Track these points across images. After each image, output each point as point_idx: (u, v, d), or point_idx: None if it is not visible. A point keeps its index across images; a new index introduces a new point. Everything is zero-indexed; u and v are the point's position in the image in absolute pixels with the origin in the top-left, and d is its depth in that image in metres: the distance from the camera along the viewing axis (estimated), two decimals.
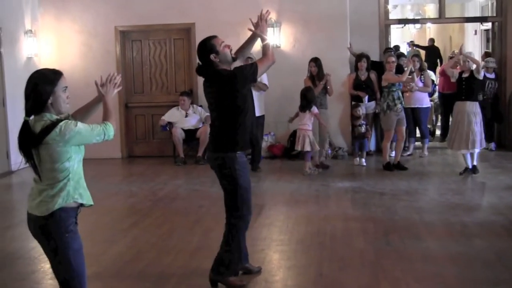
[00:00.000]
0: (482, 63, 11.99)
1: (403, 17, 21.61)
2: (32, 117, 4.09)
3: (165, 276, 6.22)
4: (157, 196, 10.01)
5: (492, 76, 13.17)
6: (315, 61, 11.93)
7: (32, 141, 4.04)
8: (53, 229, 4.13)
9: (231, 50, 5.79)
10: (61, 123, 4.02)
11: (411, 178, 10.72)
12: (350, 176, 11.20)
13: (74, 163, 4.14)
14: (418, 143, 13.63)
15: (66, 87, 4.21)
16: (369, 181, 10.62)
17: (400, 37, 24.83)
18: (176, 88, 13.85)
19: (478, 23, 17.98)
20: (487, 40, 17.40)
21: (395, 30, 21.77)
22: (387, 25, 14.27)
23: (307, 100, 11.18)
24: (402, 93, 11.62)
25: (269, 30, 12.97)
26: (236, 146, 5.72)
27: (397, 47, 15.92)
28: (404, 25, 22.67)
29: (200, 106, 13.29)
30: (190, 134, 13.02)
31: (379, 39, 13.96)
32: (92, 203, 4.34)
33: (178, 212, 9.05)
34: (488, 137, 12.41)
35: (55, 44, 13.86)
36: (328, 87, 11.94)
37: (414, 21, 20.53)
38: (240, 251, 5.92)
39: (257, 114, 11.19)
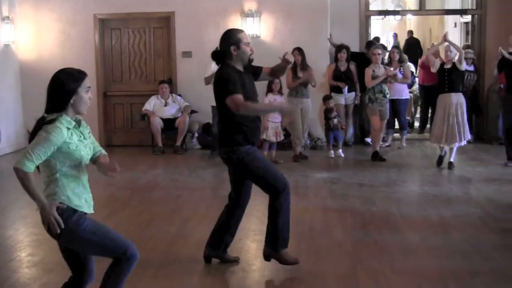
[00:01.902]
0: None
1: (383, 8, 21.63)
2: (51, 115, 4.08)
3: (143, 265, 6.13)
4: (136, 186, 9.97)
5: (471, 68, 13.22)
6: (299, 49, 11.83)
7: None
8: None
9: (252, 52, 5.81)
10: (48, 125, 4.02)
11: (390, 169, 10.74)
12: (329, 167, 11.22)
13: (62, 165, 4.10)
14: (396, 135, 13.69)
15: (89, 87, 4.20)
16: (347, 172, 10.64)
17: (380, 28, 24.86)
18: (155, 77, 13.78)
19: (458, 16, 18.01)
20: (467, 33, 17.44)
21: (375, 21, 21.77)
22: (367, 16, 14.27)
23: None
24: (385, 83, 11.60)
25: (249, 20, 13.00)
26: (238, 141, 5.74)
27: (377, 39, 15.90)
28: (385, 17, 22.69)
29: (179, 95, 13.23)
30: (169, 124, 12.96)
31: (359, 30, 13.98)
32: (88, 211, 4.31)
33: (156, 201, 9.02)
34: None
35: (33, 31, 13.71)
36: (313, 84, 11.87)
37: (394, 13, 20.57)
38: (289, 218, 5.94)
39: None
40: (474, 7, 14.34)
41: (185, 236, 7.07)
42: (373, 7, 14.65)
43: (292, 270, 5.98)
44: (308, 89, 11.97)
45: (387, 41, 21.98)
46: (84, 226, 4.18)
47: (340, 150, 12.09)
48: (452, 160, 10.67)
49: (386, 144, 13.04)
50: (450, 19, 19.82)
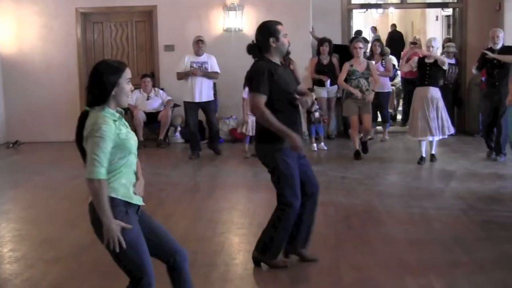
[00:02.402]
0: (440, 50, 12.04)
1: (365, 1, 21.66)
2: (93, 108, 4.02)
3: None
4: None
5: (453, 61, 13.27)
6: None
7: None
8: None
9: (289, 44, 5.76)
10: (94, 126, 3.92)
11: (372, 162, 10.77)
12: (312, 160, 11.18)
13: (113, 157, 3.98)
14: (379, 128, 13.73)
15: (130, 78, 4.12)
16: (330, 165, 10.66)
17: (363, 22, 24.91)
18: (137, 71, 13.72)
19: (440, 9, 18.10)
20: (448, 26, 17.55)
21: (357, 14, 21.82)
22: (349, 10, 14.30)
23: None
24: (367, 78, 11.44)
25: (231, 14, 12.98)
26: (275, 137, 5.62)
27: (359, 32, 15.97)
28: (367, 10, 22.73)
29: (162, 89, 13.20)
30: (152, 117, 12.93)
31: (341, 23, 14.01)
32: (139, 203, 4.18)
33: None
34: None
35: (14, 26, 13.61)
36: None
37: (376, 6, 20.61)
38: (286, 236, 5.81)
39: (206, 99, 11.38)
40: (455, 1, 14.39)
41: (168, 231, 7.05)
42: (355, 0, 14.66)
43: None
44: None
45: (369, 35, 22.00)
46: (127, 234, 3.99)
47: (323, 143, 12.11)
48: (433, 152, 10.68)
49: (369, 137, 13.07)
50: (431, 12, 19.92)
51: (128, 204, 4.07)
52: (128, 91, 4.09)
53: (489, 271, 5.72)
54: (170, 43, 13.32)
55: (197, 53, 11.53)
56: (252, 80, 5.58)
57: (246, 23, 13.24)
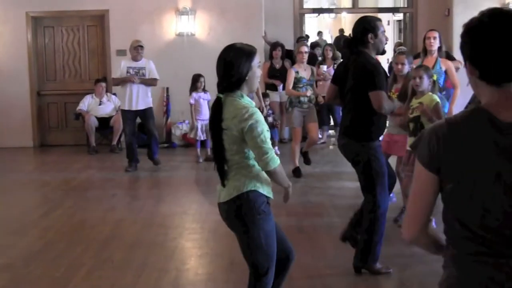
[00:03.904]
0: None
1: (318, 6, 21.83)
2: (227, 95, 4.00)
3: (75, 267, 6.13)
4: (70, 186, 9.86)
5: None
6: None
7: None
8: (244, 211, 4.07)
9: (386, 42, 5.71)
10: (244, 112, 3.93)
11: (325, 166, 10.85)
12: None
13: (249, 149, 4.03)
14: (331, 131, 13.82)
15: (260, 62, 4.06)
16: (283, 168, 10.65)
17: (316, 26, 25.05)
18: (89, 76, 13.63)
19: (391, 14, 18.33)
20: (400, 31, 17.77)
21: (311, 19, 21.96)
22: (302, 14, 14.40)
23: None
24: (316, 82, 11.42)
25: (184, 18, 12.96)
26: (371, 135, 5.63)
27: (306, 37, 16.04)
28: (319, 14, 22.90)
29: (114, 94, 13.11)
30: (104, 122, 12.84)
31: (293, 28, 14.09)
32: (272, 196, 4.23)
33: (90, 201, 8.95)
34: None
35: None
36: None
37: (328, 11, 20.76)
38: (381, 237, 5.73)
39: (143, 106, 10.79)
40: (406, 6, 14.61)
41: (119, 237, 7.04)
42: (308, 5, 14.77)
43: (226, 267, 6.03)
44: None
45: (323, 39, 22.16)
46: (268, 224, 4.13)
47: (276, 148, 12.14)
48: None
49: (322, 141, 13.15)
50: (383, 17, 20.10)
51: (266, 196, 4.14)
52: (259, 75, 4.10)
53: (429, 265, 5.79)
54: (122, 48, 13.20)
55: (135, 58, 10.88)
56: (378, 76, 5.46)
57: (199, 28, 13.23)
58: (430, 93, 6.66)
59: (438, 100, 6.67)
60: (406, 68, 7.57)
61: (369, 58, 5.54)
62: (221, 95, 4.01)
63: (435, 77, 7.02)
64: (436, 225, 2.57)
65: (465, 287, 2.36)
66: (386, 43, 5.72)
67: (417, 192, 2.44)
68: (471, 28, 2.34)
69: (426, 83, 6.66)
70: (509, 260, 2.28)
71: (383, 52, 5.72)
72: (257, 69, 4.07)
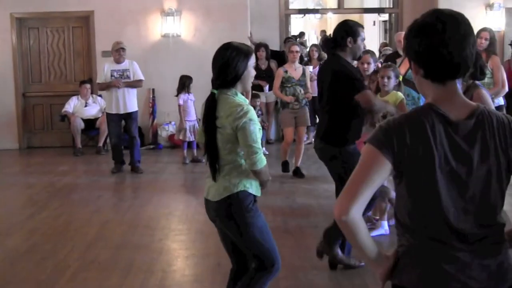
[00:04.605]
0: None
1: (304, 7, 21.85)
2: (221, 92, 4.04)
3: (60, 269, 6.11)
4: (56, 187, 9.82)
5: None
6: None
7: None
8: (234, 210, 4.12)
9: (364, 49, 5.76)
10: (239, 110, 3.98)
11: (311, 166, 10.81)
12: None
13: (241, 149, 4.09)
14: None
15: (255, 62, 4.13)
16: (269, 169, 10.62)
17: (302, 27, 25.07)
18: (75, 77, 13.58)
19: (376, 14, 18.38)
20: (385, 31, 17.82)
21: (296, 20, 21.98)
22: (287, 15, 14.42)
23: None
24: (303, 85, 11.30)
25: (169, 19, 12.94)
26: (348, 140, 5.68)
27: (293, 37, 16.02)
28: (304, 15, 22.93)
29: (100, 96, 13.06)
30: (90, 124, 12.81)
31: (279, 28, 14.09)
32: (259, 194, 4.30)
33: (76, 202, 8.93)
34: None
35: None
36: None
37: (314, 11, 20.79)
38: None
39: (130, 110, 10.69)
40: (391, 6, 14.66)
41: (104, 238, 7.02)
42: (294, 5, 14.79)
43: (213, 268, 6.01)
44: None
45: (308, 39, 22.17)
46: (258, 220, 4.18)
47: (264, 148, 12.13)
48: None
49: (308, 141, 13.15)
50: (369, 17, 20.21)
51: (253, 195, 4.21)
52: (253, 76, 4.15)
53: None
54: (107, 49, 13.10)
55: (118, 61, 10.72)
56: (356, 80, 5.53)
57: (184, 29, 13.21)
58: (395, 91, 6.76)
59: (403, 96, 6.80)
60: (372, 67, 7.69)
61: (344, 63, 5.61)
62: (215, 91, 4.05)
63: (401, 78, 7.07)
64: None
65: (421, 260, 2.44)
66: (364, 49, 5.82)
67: (363, 171, 2.47)
68: (414, 29, 2.43)
69: (393, 83, 6.77)
70: (459, 253, 2.38)
71: (359, 58, 5.87)
72: (252, 69, 4.12)
